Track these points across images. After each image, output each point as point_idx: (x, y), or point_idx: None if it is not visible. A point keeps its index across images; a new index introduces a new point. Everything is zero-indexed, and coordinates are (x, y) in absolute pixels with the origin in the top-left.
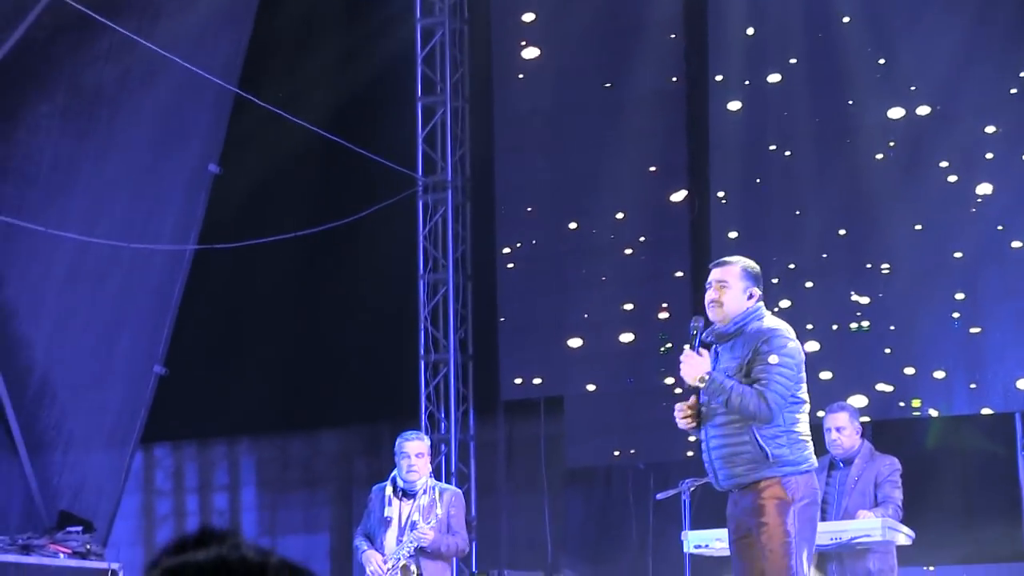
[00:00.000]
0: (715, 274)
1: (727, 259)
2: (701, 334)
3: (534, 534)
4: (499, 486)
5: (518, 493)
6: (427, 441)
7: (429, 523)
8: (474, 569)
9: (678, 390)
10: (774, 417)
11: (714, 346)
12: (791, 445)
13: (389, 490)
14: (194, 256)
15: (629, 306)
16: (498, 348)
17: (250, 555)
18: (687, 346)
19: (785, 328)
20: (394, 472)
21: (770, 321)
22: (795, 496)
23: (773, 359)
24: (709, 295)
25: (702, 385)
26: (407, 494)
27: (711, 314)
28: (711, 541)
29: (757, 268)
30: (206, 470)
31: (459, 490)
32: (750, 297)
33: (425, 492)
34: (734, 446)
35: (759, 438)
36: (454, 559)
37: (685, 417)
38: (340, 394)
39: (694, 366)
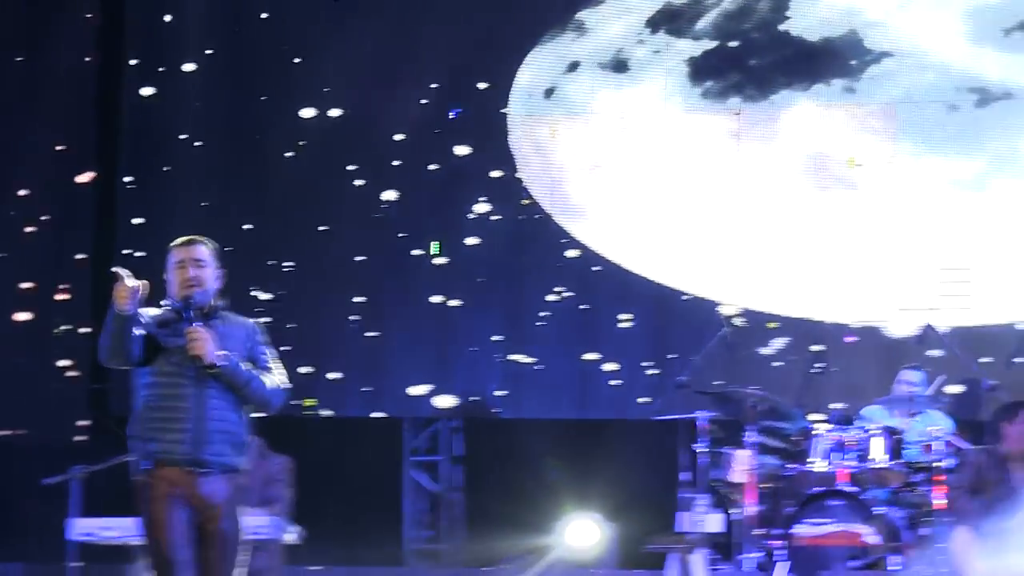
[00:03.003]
0: (191, 252)
1: (197, 237)
2: (191, 312)
3: None
4: None
5: None
6: None
7: None
8: None
9: (71, 373)
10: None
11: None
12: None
13: None
14: None
15: (28, 285)
16: None
17: None
18: (187, 324)
19: None
20: None
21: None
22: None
23: (272, 352)
24: (187, 274)
25: (222, 363)
26: None
27: (190, 295)
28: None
29: None
30: None
31: None
32: (217, 279)
33: None
34: (231, 424)
35: (244, 425)
36: None
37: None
38: None
39: (214, 342)
